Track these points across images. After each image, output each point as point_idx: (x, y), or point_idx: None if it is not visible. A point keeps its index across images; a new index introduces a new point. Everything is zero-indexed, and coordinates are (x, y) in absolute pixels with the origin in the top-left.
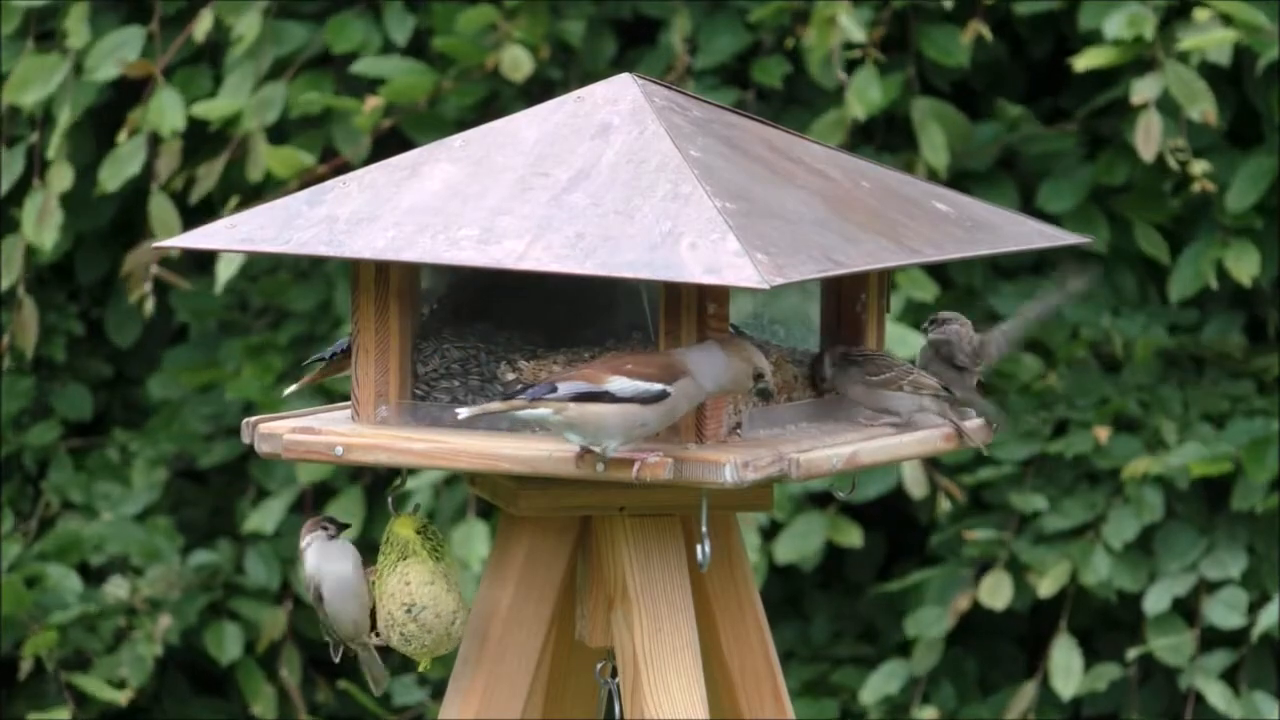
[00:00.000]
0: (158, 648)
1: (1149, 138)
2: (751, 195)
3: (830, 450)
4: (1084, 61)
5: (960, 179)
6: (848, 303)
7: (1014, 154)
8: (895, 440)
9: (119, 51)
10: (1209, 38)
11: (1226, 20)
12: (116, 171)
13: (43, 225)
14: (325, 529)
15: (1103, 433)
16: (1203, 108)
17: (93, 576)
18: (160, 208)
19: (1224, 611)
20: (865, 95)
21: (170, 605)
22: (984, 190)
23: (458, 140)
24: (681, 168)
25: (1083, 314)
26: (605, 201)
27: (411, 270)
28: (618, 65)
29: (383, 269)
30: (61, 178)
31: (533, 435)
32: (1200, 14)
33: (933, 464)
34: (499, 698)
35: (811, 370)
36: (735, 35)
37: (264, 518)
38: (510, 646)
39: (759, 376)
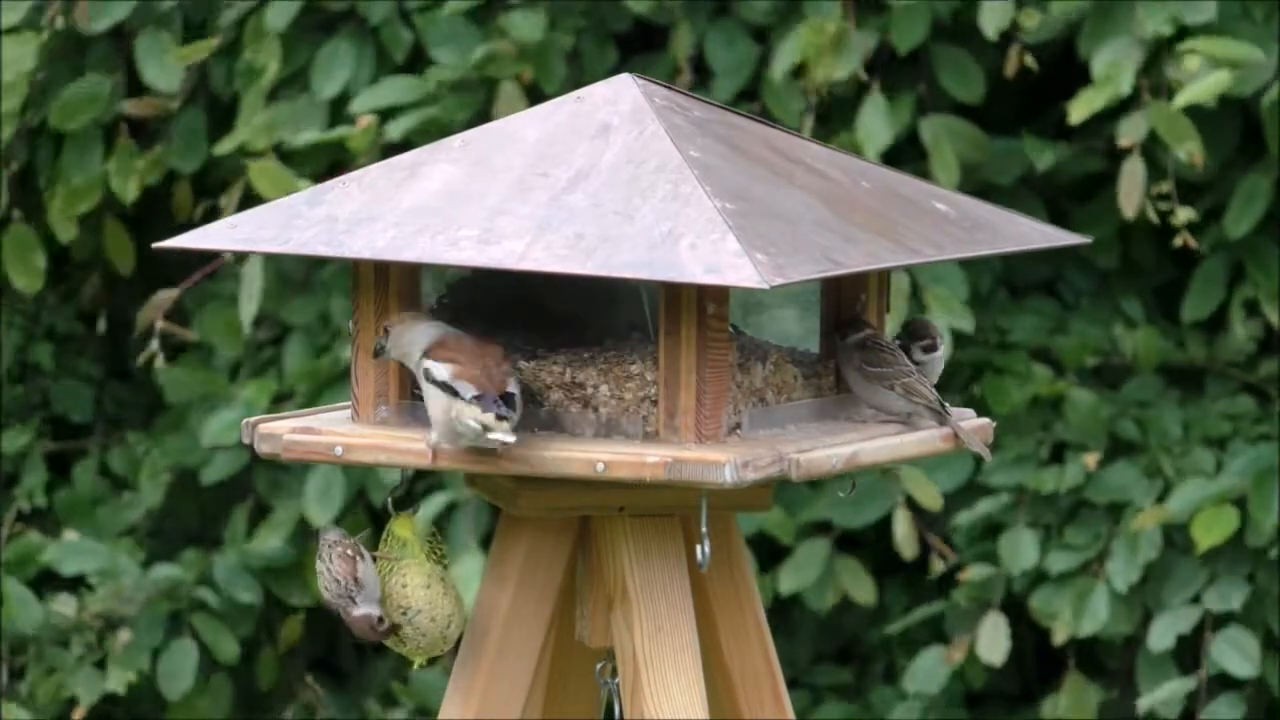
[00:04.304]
0: (129, 674)
1: (1131, 193)
2: (751, 195)
3: (830, 450)
4: (1077, 113)
5: (984, 194)
6: (848, 303)
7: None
8: (896, 440)
9: (87, 108)
10: (1202, 87)
11: (1217, 63)
12: (74, 203)
13: (27, 269)
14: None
15: (1091, 459)
16: (1189, 147)
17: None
18: (115, 236)
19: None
20: (874, 135)
21: (130, 621)
22: (1010, 206)
23: (458, 140)
24: (681, 168)
25: (1089, 326)
26: (605, 202)
27: (411, 270)
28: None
29: (383, 269)
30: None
31: (532, 435)
32: (1190, 63)
33: (920, 514)
34: (499, 698)
35: (825, 340)
36: (742, 50)
37: (270, 534)
38: (510, 646)
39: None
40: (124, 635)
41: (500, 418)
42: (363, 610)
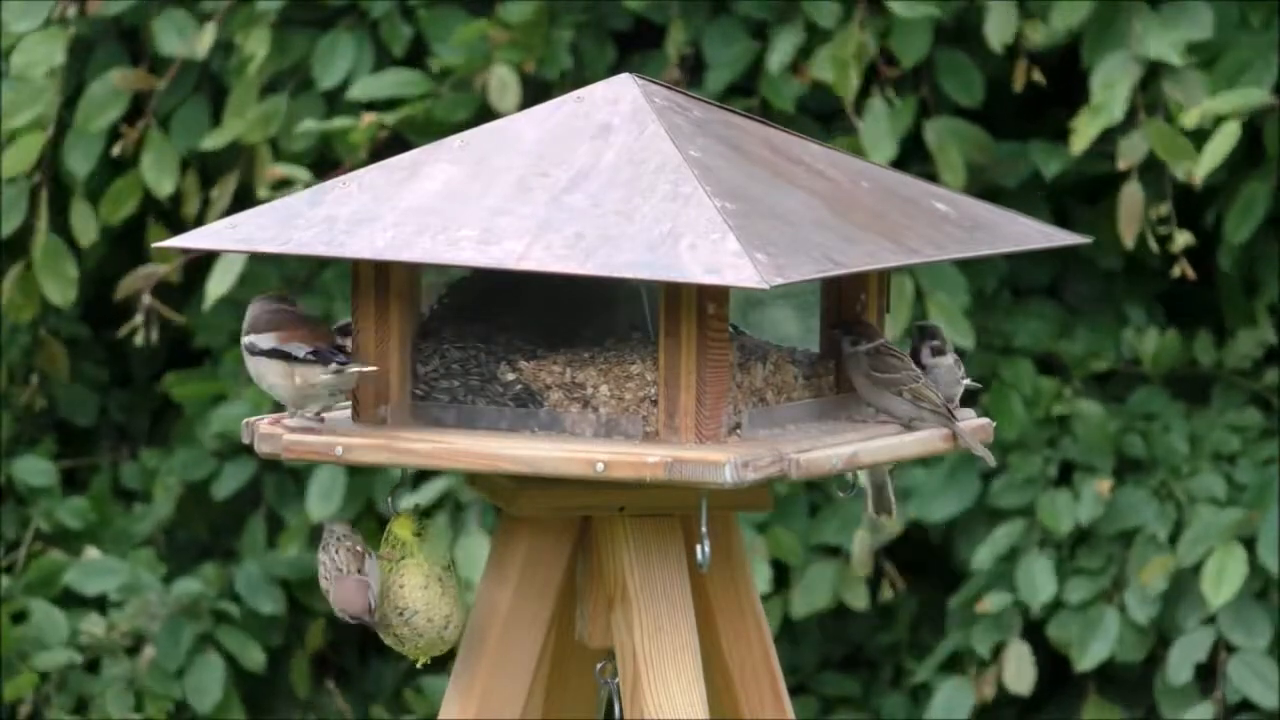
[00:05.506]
0: (165, 704)
1: (1130, 220)
2: (751, 195)
3: (830, 450)
4: (1078, 144)
5: (990, 198)
6: (848, 303)
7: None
8: (895, 440)
9: (112, 105)
10: (1219, 144)
11: (1224, 117)
12: (116, 208)
13: (60, 281)
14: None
15: (1104, 486)
16: (1188, 166)
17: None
18: (158, 237)
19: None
20: (877, 140)
21: (152, 636)
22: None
23: (458, 140)
24: (681, 168)
25: (1094, 331)
26: (605, 202)
27: (411, 270)
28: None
29: (383, 269)
30: (84, 228)
31: (532, 435)
32: (1189, 118)
33: (885, 552)
34: (499, 698)
35: (825, 340)
36: (739, 45)
37: (290, 542)
38: (510, 646)
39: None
40: (149, 652)
41: (342, 362)
42: (351, 581)
